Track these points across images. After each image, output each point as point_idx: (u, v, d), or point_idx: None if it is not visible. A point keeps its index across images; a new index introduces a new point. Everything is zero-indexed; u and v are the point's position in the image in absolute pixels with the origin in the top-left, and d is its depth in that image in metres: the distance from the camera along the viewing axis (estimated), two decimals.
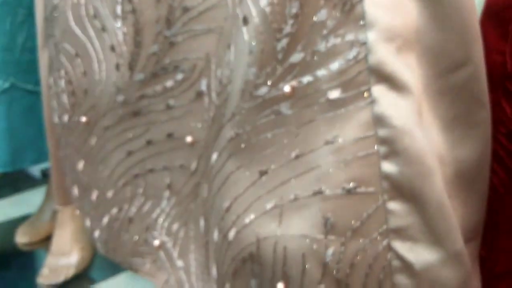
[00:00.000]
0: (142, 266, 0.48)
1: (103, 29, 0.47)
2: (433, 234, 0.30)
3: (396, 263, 0.30)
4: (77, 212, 0.85)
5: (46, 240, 1.04)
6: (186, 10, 0.42)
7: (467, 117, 0.32)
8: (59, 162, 0.65)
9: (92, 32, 0.48)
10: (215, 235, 0.37)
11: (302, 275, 0.32)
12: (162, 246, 0.46)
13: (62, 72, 0.50)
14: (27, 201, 1.27)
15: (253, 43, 0.33)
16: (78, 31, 0.49)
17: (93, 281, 0.86)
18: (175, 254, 0.45)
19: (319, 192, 0.32)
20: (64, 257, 0.87)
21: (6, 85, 0.74)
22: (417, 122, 0.30)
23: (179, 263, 0.45)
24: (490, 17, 0.38)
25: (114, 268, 0.89)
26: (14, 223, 1.15)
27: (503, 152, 0.37)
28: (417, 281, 0.30)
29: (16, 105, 0.75)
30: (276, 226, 0.33)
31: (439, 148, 0.31)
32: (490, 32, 0.38)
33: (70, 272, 0.84)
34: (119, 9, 0.44)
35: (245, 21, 0.33)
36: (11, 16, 0.72)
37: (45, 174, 1.34)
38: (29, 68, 0.75)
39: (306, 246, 0.32)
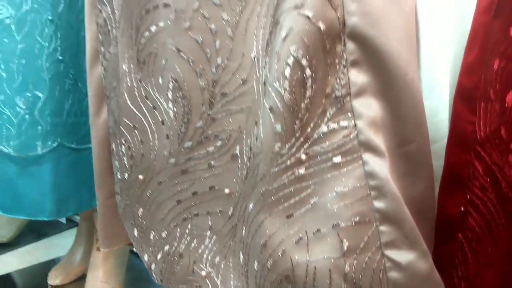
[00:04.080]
0: None
1: (154, 107, 0.61)
2: (409, 242, 0.46)
3: (389, 264, 0.46)
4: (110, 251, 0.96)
5: (77, 281, 1.14)
6: (224, 95, 0.56)
7: (413, 175, 0.49)
8: (106, 210, 0.77)
9: (145, 110, 0.61)
10: (255, 265, 0.50)
11: (329, 285, 0.46)
12: (208, 275, 0.58)
13: (123, 140, 0.64)
14: (55, 245, 1.36)
15: (278, 126, 0.47)
16: (133, 108, 0.62)
17: None
18: (218, 282, 0.57)
19: (336, 225, 0.46)
20: None
21: (55, 144, 0.86)
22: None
23: None
24: (462, 95, 0.51)
25: None
26: (44, 267, 1.26)
27: (478, 201, 0.51)
28: (404, 273, 0.46)
29: (62, 162, 0.88)
30: (305, 253, 0.47)
31: None
32: (462, 106, 0.51)
33: None
34: (170, 95, 0.58)
35: (271, 110, 0.47)
36: (59, 86, 0.85)
37: (69, 219, 1.45)
38: (73, 129, 0.88)
39: (330, 264, 0.46)
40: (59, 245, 1.35)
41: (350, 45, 0.46)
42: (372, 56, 0.46)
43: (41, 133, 0.84)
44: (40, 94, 0.83)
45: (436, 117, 0.69)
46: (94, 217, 1.06)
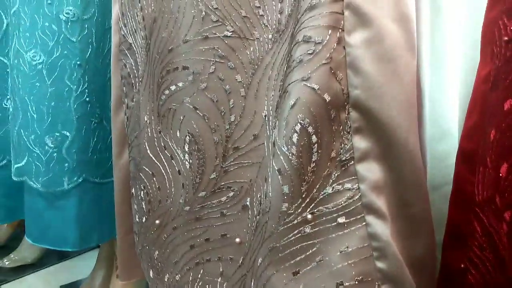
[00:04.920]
0: None
1: (172, 157, 0.65)
2: None
3: None
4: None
5: None
6: (236, 149, 0.59)
7: (414, 235, 0.52)
8: (126, 244, 0.82)
9: (163, 159, 0.66)
10: None
11: None
12: None
13: (142, 186, 0.68)
14: (77, 267, 1.41)
15: (286, 188, 0.50)
16: (153, 157, 0.67)
17: None
18: None
19: (341, 284, 0.49)
20: None
21: (80, 180, 0.92)
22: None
23: None
24: (463, 157, 0.53)
25: None
26: None
27: (477, 260, 0.53)
28: None
29: (86, 196, 0.93)
30: None
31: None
32: (463, 167, 0.54)
33: None
34: (186, 147, 0.62)
35: (280, 172, 0.50)
36: (86, 125, 0.91)
37: None
38: (98, 165, 0.94)
39: None
40: (81, 266, 1.40)
41: (354, 114, 0.49)
42: (374, 125, 0.49)
43: (67, 169, 0.90)
44: (67, 134, 0.88)
45: (446, 161, 0.71)
46: (115, 244, 1.10)
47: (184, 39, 0.59)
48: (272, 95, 0.56)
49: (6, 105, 0.99)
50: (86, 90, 0.89)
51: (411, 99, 0.51)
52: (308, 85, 0.48)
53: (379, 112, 0.48)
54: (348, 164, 0.50)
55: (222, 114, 0.59)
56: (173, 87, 0.62)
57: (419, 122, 0.56)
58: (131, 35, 0.69)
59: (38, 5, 0.85)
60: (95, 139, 0.92)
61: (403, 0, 0.50)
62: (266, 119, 0.57)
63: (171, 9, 0.60)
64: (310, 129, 0.49)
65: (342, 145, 0.50)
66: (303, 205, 0.51)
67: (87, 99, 0.89)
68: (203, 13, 0.57)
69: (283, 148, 0.50)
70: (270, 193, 0.52)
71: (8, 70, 0.96)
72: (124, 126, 0.76)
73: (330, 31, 0.48)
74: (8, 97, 0.96)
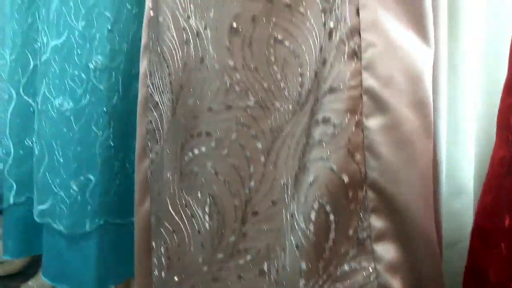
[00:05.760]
0: None
1: (192, 216, 0.67)
2: None
3: None
4: None
5: None
6: (255, 214, 0.61)
7: None
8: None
9: (184, 217, 0.68)
10: None
11: None
12: None
13: (162, 241, 0.70)
14: None
15: (303, 265, 0.51)
16: (174, 214, 0.69)
17: None
18: None
19: None
20: None
21: (101, 222, 0.94)
22: None
23: None
24: (478, 232, 0.54)
25: None
26: None
27: None
28: None
29: (106, 237, 0.95)
30: None
31: None
32: (478, 242, 0.54)
33: None
34: (207, 209, 0.64)
35: (297, 247, 0.52)
36: (109, 168, 0.93)
37: None
38: (119, 206, 0.96)
39: None
40: None
41: (371, 194, 0.51)
42: (391, 207, 0.50)
43: (90, 212, 0.92)
44: (92, 177, 0.91)
45: (461, 217, 0.72)
46: (132, 282, 1.12)
47: (209, 107, 0.62)
48: (291, 165, 0.57)
49: (28, 143, 1.03)
50: (111, 135, 0.92)
51: (427, 183, 0.52)
52: (327, 165, 0.50)
53: (395, 196, 0.50)
54: (365, 243, 0.51)
55: (242, 179, 0.61)
56: (196, 151, 0.64)
57: (435, 182, 0.57)
58: (158, 94, 0.71)
59: (68, 54, 0.88)
60: (118, 182, 0.95)
61: (420, 86, 0.51)
62: (285, 187, 0.58)
63: (198, 79, 0.62)
64: (327, 208, 0.50)
65: (360, 223, 0.51)
66: (319, 283, 0.52)
67: (112, 143, 0.92)
68: (228, 84, 0.60)
69: (301, 224, 0.51)
70: (287, 267, 0.53)
71: (31, 108, 1.00)
72: (147, 174, 0.78)
73: (348, 115, 0.50)
74: (33, 138, 0.99)
